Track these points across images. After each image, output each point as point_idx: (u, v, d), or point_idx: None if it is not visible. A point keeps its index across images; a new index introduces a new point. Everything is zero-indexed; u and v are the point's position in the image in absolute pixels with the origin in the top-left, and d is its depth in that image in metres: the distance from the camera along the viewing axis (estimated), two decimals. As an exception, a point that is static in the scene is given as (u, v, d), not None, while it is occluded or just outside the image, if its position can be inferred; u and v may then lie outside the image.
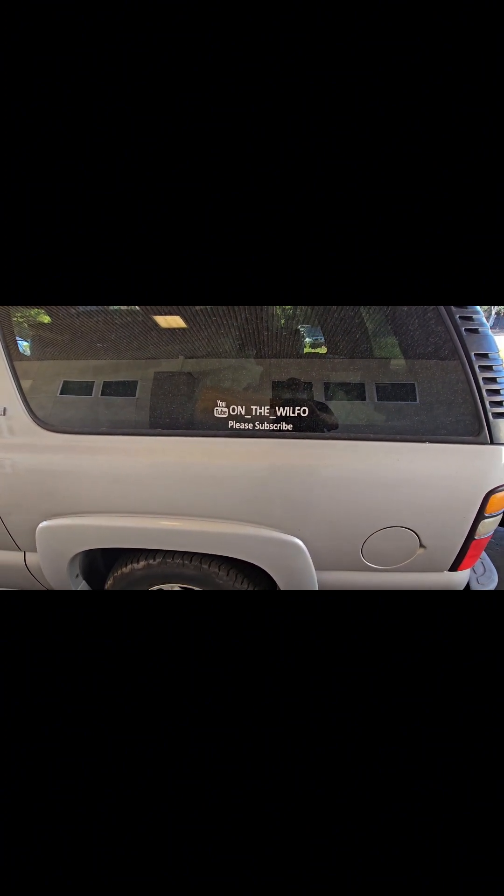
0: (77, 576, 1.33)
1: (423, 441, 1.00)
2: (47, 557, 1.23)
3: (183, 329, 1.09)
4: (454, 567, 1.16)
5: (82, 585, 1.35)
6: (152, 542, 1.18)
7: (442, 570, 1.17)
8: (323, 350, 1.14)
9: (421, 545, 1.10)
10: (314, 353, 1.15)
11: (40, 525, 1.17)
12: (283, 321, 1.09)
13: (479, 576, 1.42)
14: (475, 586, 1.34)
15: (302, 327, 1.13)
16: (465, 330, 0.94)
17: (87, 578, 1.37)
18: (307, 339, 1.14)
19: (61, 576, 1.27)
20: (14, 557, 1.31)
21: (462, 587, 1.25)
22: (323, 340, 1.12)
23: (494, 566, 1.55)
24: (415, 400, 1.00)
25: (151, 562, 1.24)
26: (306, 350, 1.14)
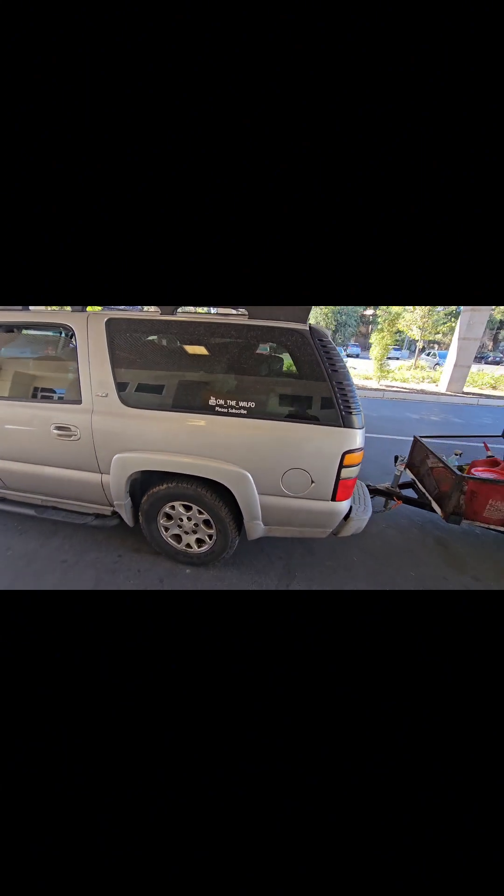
0: (127, 493, 2.14)
1: (312, 423, 1.82)
2: (115, 476, 2.07)
3: (204, 356, 1.95)
4: (333, 498, 1.90)
5: (127, 500, 2.18)
6: (174, 468, 1.99)
7: (327, 500, 1.91)
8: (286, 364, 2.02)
9: (312, 481, 1.87)
10: (267, 375, 2.02)
11: (115, 456, 2.02)
12: (263, 359, 1.99)
13: (359, 511, 2.15)
14: (355, 516, 2.08)
15: (277, 355, 2.06)
16: (332, 370, 1.77)
17: (131, 497, 2.20)
18: (271, 366, 2.07)
19: (120, 490, 2.11)
20: (96, 477, 2.16)
21: (343, 513, 1.99)
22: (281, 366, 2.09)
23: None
24: (318, 407, 1.83)
25: (170, 485, 2.08)
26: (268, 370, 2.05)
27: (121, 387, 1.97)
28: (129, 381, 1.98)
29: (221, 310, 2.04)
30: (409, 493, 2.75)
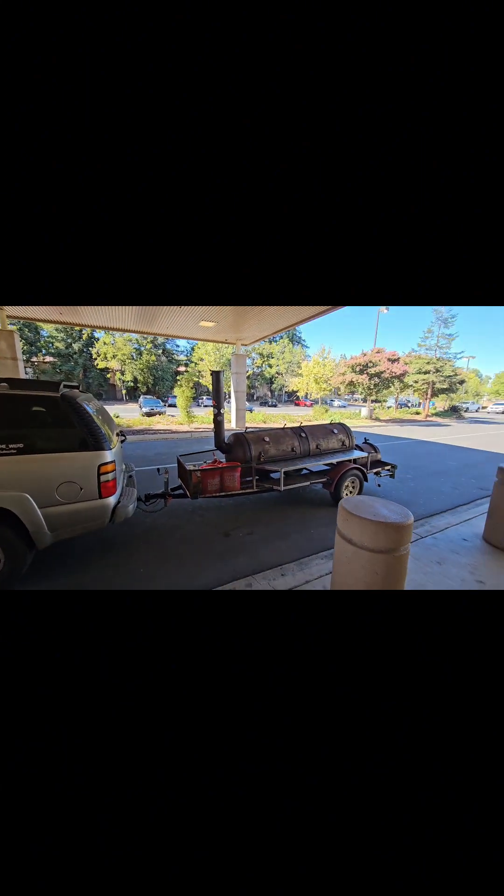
0: None
1: (77, 451, 2.56)
2: None
3: None
4: (101, 496, 2.63)
5: None
6: None
7: (97, 498, 2.62)
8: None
9: (80, 488, 2.56)
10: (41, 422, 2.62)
11: None
12: (48, 417, 2.60)
13: (126, 503, 2.92)
14: (122, 506, 2.83)
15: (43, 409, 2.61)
16: (80, 420, 2.59)
17: None
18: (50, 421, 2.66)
19: None
20: None
21: (112, 506, 2.73)
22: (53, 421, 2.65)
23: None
24: (75, 441, 2.57)
25: None
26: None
27: None
28: None
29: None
30: (180, 492, 4.17)
